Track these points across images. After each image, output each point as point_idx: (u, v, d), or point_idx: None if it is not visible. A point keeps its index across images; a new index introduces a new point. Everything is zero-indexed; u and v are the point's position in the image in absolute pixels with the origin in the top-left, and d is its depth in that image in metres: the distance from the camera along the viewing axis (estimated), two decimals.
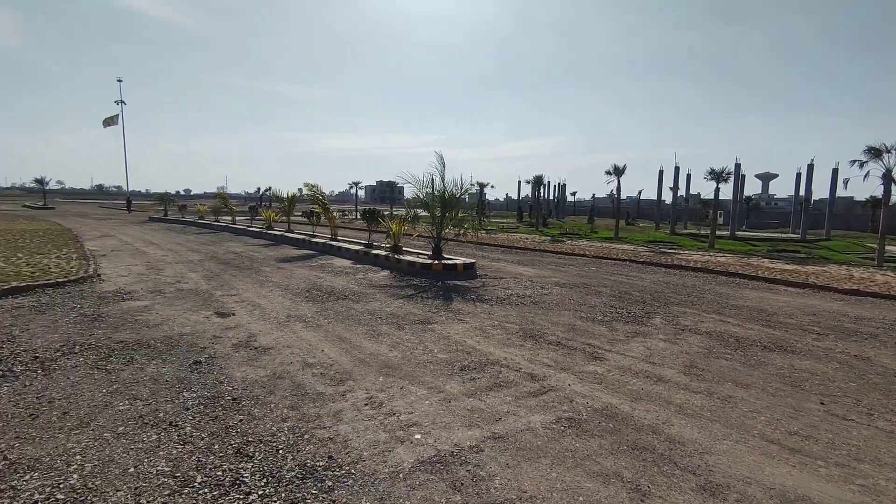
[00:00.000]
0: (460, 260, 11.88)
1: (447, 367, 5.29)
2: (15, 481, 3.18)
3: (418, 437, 3.83)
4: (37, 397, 4.26)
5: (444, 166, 12.16)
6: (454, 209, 12.31)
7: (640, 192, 57.36)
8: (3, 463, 3.34)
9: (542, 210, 36.73)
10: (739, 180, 25.94)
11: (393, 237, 13.36)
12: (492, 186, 45.27)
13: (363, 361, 5.42)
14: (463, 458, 3.57)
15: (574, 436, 3.88)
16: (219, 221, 26.51)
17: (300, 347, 5.80)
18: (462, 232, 12.71)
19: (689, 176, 31.45)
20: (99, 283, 9.05)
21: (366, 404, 4.37)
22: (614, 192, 25.97)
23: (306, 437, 3.80)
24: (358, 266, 12.30)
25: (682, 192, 33.69)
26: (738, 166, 24.86)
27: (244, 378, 4.86)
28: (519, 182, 49.12)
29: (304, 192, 18.57)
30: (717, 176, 21.95)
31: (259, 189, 78.41)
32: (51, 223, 24.22)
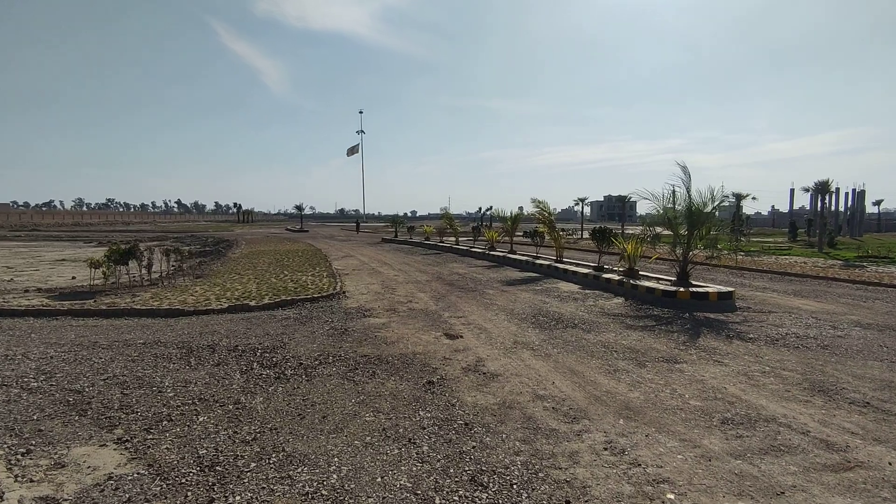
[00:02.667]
0: (713, 287, 10.73)
1: (703, 417, 4.87)
2: (291, 472, 4.03)
3: (671, 497, 3.58)
4: (303, 399, 5.35)
5: (689, 176, 11.23)
6: (704, 226, 11.23)
7: None
8: (283, 454, 4.28)
9: (828, 225, 30.46)
10: None
11: (628, 259, 12.84)
12: (752, 198, 39.67)
13: (599, 399, 5.29)
14: None
15: None
16: (443, 242, 29.44)
17: (529, 377, 5.97)
18: (715, 254, 11.55)
19: None
20: (344, 299, 10.94)
21: (605, 448, 4.24)
22: None
23: (541, 475, 3.86)
24: (587, 291, 12.18)
25: None
26: None
27: (475, 403, 5.23)
28: (791, 190, 42.08)
29: (530, 209, 19.32)
30: None
31: (480, 209, 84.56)
32: (306, 244, 30.27)
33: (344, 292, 11.76)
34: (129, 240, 37.13)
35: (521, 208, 21.49)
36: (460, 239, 29.66)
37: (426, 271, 16.46)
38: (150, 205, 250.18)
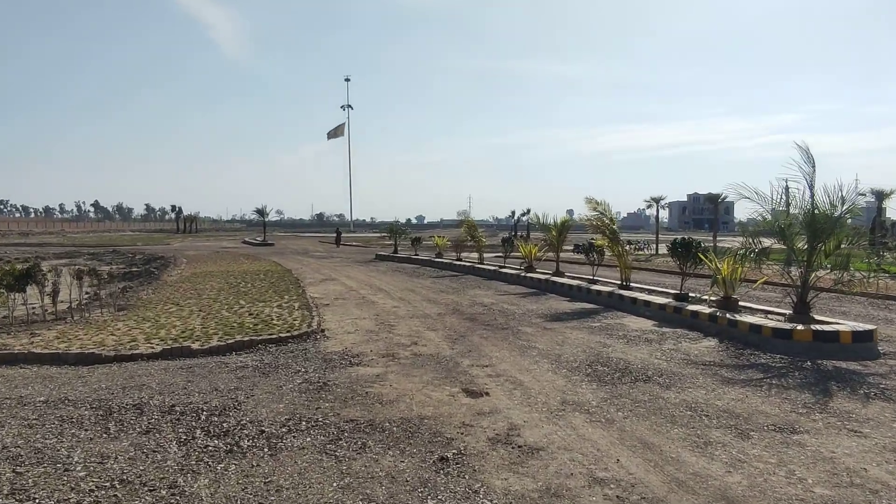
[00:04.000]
0: (845, 325, 10.61)
1: None
2: None
3: None
4: (265, 482, 5.35)
5: (812, 165, 11.13)
6: (831, 238, 11.12)
7: None
8: None
9: None
10: None
11: (723, 285, 12.75)
12: None
13: (683, 485, 5.23)
14: None
15: None
16: (461, 260, 29.52)
17: (583, 452, 5.92)
18: (846, 277, 11.41)
19: None
20: (323, 340, 11.08)
21: None
22: None
23: None
24: (665, 330, 12.14)
25: None
26: None
27: (507, 490, 5.19)
28: None
29: (584, 213, 19.34)
30: None
31: (513, 213, 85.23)
32: (270, 263, 30.50)
33: (323, 331, 11.86)
34: (28, 256, 37.82)
35: (569, 213, 21.57)
36: (485, 255, 29.72)
37: (438, 301, 16.53)
38: (58, 208, 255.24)
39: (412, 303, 16.16)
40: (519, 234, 74.98)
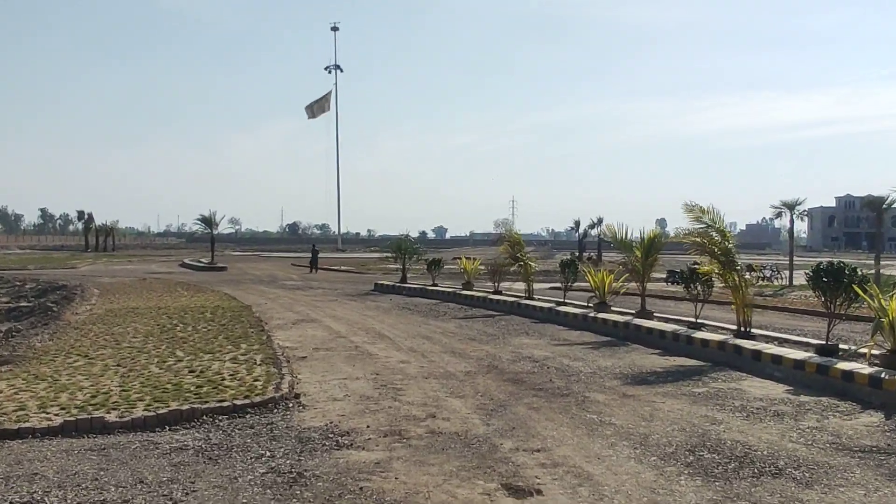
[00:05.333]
0: None
1: None
2: None
3: None
4: None
5: None
6: None
7: None
8: None
9: None
10: None
11: (891, 332, 12.59)
12: None
13: None
14: None
15: None
16: (501, 293, 29.51)
17: None
18: None
19: None
20: (298, 410, 11.13)
21: None
22: None
23: None
24: (803, 398, 12.05)
25: None
26: None
27: None
28: None
29: (683, 225, 19.25)
30: None
31: (577, 225, 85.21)
32: (222, 296, 30.70)
33: (298, 396, 11.94)
34: None
35: (660, 224, 21.38)
36: (536, 286, 29.68)
37: (466, 353, 16.61)
38: None
39: (428, 356, 16.19)
40: (587, 254, 75.19)
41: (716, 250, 17.94)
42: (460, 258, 39.25)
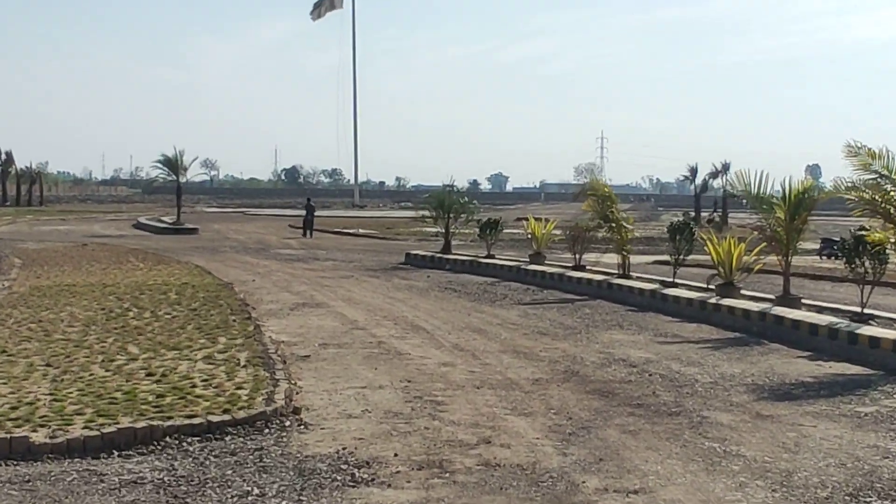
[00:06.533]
0: None
1: None
2: None
3: None
4: None
5: None
6: None
7: None
8: None
9: None
10: None
11: None
12: None
13: None
14: None
15: None
16: (583, 268, 29.36)
17: None
18: None
19: None
20: (298, 431, 11.13)
21: None
22: None
23: None
24: None
25: None
26: None
27: None
28: None
29: (845, 175, 18.98)
30: None
31: (693, 173, 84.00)
32: (192, 269, 31.11)
33: (297, 411, 11.97)
34: None
35: (812, 172, 21.10)
36: (634, 259, 29.55)
37: (534, 353, 16.65)
38: None
39: (481, 356, 16.21)
40: (707, 215, 74.28)
41: (892, 211, 17.66)
42: (526, 219, 38.87)
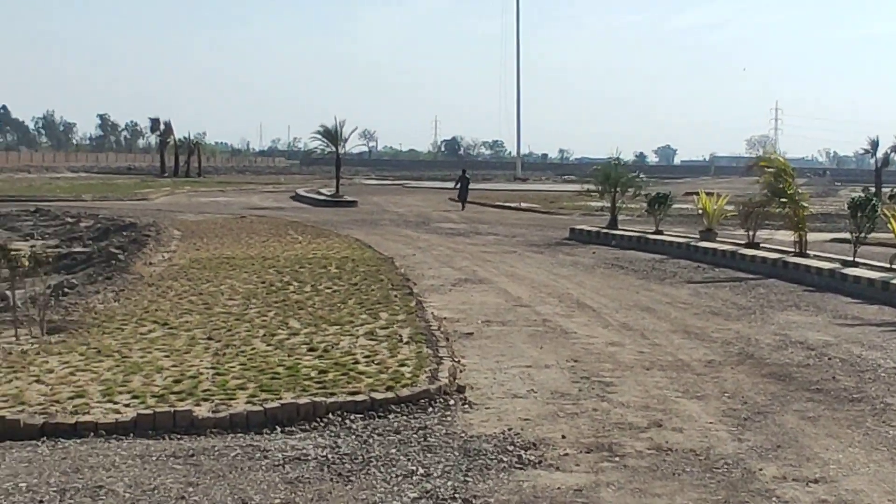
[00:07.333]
0: None
1: None
2: None
3: None
4: None
5: None
6: None
7: None
8: None
9: None
10: None
11: None
12: None
13: None
14: None
15: None
16: (756, 245, 28.90)
17: None
18: None
19: None
20: (462, 410, 11.23)
21: None
22: None
23: None
24: None
25: None
26: None
27: None
28: None
29: None
30: None
31: (874, 145, 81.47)
32: (351, 242, 31.64)
33: (461, 389, 12.06)
34: None
35: None
36: (812, 237, 29.02)
37: (705, 333, 16.57)
38: None
39: (650, 336, 16.17)
40: (890, 190, 72.52)
41: None
42: (697, 193, 38.56)
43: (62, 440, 9.72)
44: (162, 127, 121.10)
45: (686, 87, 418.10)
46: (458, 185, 59.39)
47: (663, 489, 8.63)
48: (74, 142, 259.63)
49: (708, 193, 36.01)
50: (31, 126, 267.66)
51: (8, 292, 16.21)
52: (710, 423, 10.87)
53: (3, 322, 15.58)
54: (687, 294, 21.42)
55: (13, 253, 16.42)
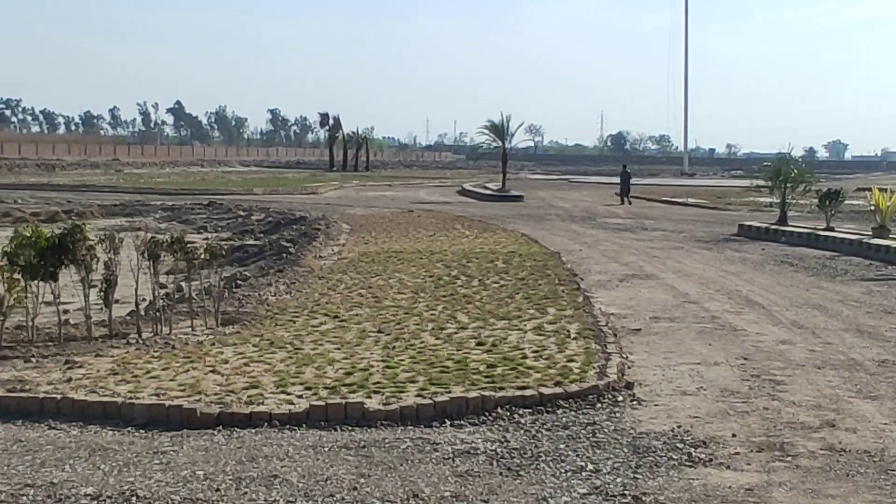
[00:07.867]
0: None
1: None
2: None
3: None
4: None
5: None
6: None
7: None
8: None
9: None
10: None
11: None
12: None
13: None
14: None
15: None
16: None
17: None
18: None
19: None
20: (631, 407, 11.21)
21: None
22: None
23: None
24: None
25: None
26: None
27: None
28: None
29: None
30: None
31: None
32: (518, 237, 31.80)
33: (630, 386, 12.05)
34: (58, 210, 41.28)
35: None
36: None
37: (878, 332, 16.44)
38: (107, 116, 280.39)
39: (821, 334, 15.92)
40: None
41: None
42: (869, 189, 37.84)
43: (237, 430, 9.98)
44: (331, 122, 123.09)
45: (858, 80, 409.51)
46: (621, 179, 59.31)
47: (837, 490, 8.51)
48: (245, 136, 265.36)
49: (881, 189, 35.24)
50: (205, 121, 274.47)
51: (184, 284, 16.56)
52: (885, 423, 10.66)
53: (180, 313, 15.93)
54: (859, 292, 21.00)
55: (188, 245, 16.68)
